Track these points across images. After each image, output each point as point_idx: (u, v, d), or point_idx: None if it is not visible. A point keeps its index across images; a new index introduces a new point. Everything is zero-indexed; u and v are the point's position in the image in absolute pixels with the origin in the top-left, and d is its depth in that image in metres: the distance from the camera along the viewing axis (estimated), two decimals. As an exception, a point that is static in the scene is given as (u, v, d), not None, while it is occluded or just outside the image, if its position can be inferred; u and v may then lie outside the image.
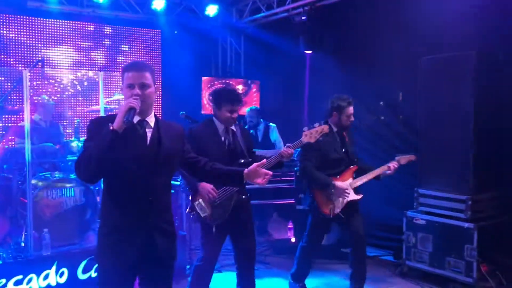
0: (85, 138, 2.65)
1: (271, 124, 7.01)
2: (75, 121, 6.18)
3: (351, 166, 4.46)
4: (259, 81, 8.45)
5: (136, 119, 2.53)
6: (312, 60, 7.27)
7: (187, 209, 4.09)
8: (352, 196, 4.38)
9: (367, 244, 6.01)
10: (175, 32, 7.88)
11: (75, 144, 5.61)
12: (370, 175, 4.42)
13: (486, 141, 4.75)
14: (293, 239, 6.12)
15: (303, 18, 6.83)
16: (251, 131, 6.83)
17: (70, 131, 6.91)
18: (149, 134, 2.60)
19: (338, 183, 4.31)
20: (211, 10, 7.80)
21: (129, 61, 7.53)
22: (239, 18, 8.36)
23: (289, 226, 6.40)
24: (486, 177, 4.79)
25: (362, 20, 6.46)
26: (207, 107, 8.10)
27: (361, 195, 4.42)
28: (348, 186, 4.36)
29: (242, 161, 3.89)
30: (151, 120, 2.63)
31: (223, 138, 3.93)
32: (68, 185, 5.02)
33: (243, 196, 3.91)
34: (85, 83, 7.40)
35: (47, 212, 4.89)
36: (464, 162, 4.73)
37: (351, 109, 4.39)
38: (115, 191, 2.60)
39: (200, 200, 3.81)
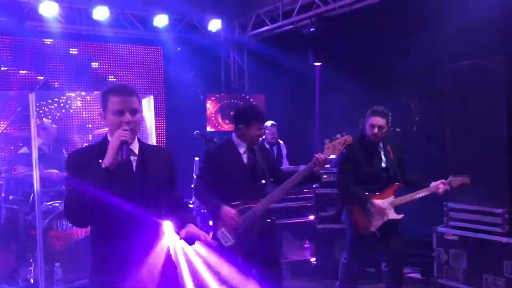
0: (66, 175, 2.33)
1: (279, 141, 6.79)
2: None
3: (394, 183, 4.21)
4: (264, 96, 8.22)
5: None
6: (321, 72, 7.06)
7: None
8: (392, 215, 4.14)
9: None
10: (178, 49, 7.65)
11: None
12: (415, 194, 4.18)
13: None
14: (312, 260, 5.85)
15: (311, 29, 6.63)
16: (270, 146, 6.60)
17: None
18: (134, 163, 2.34)
19: (377, 201, 4.08)
20: (214, 25, 7.60)
21: (124, 81, 7.46)
22: (242, 33, 8.17)
23: (305, 245, 6.14)
24: (521, 188, 4.58)
25: (374, 29, 6.30)
26: (214, 123, 7.86)
27: (402, 215, 4.18)
28: (387, 204, 4.13)
29: (264, 181, 3.70)
30: (135, 146, 2.37)
31: (245, 159, 3.70)
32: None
33: (268, 220, 3.67)
34: (77, 104, 7.12)
35: (57, 244, 4.61)
36: (497, 173, 4.51)
37: (374, 119, 4.14)
38: (103, 230, 2.31)
39: (223, 228, 3.52)
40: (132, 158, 2.31)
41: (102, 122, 2.39)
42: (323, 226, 5.53)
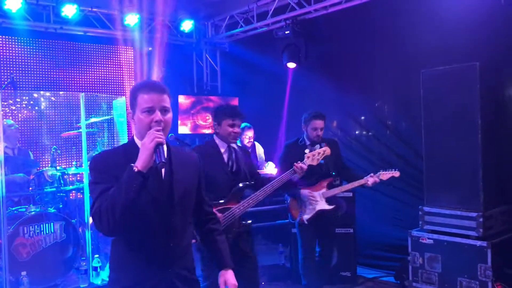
0: (91, 180, 2.19)
1: (256, 142, 6.71)
2: (52, 148, 5.62)
3: (327, 178, 4.63)
4: (238, 98, 8.12)
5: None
6: (295, 75, 7.02)
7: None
8: (322, 206, 4.55)
9: (365, 265, 5.92)
10: (149, 49, 7.46)
11: (51, 173, 5.08)
12: (344, 187, 4.61)
13: (493, 155, 4.61)
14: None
15: (286, 32, 6.57)
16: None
17: (46, 158, 6.34)
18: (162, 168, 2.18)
19: (304, 191, 4.51)
20: (186, 25, 7.46)
21: (93, 82, 7.23)
22: (215, 34, 8.05)
23: (280, 249, 6.08)
24: (495, 192, 4.64)
25: (349, 33, 6.31)
26: (186, 125, 7.72)
27: (333, 206, 4.58)
28: (319, 196, 4.56)
29: (241, 185, 3.70)
30: (163, 148, 2.21)
31: (226, 159, 3.72)
32: (46, 220, 4.52)
33: (245, 224, 3.68)
34: (44, 105, 6.86)
35: (24, 252, 4.38)
36: (472, 177, 4.54)
37: (316, 123, 4.60)
38: (131, 240, 2.19)
39: None
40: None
41: (131, 122, 2.22)
42: (296, 231, 5.46)
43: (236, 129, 3.73)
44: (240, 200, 3.66)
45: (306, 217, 4.57)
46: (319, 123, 4.62)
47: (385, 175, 4.46)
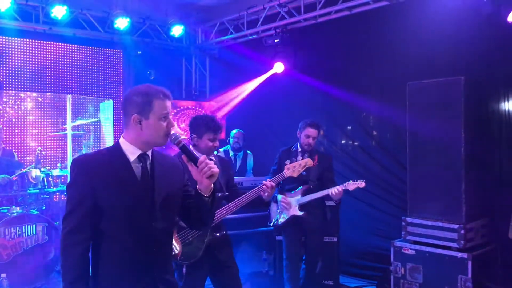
0: (69, 182, 2.22)
1: (248, 151, 6.73)
2: (37, 149, 5.57)
3: (304, 185, 4.77)
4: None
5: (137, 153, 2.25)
6: (283, 83, 7.06)
7: None
8: (294, 212, 4.73)
9: (348, 274, 5.95)
10: (139, 52, 7.45)
11: (35, 175, 5.04)
12: (314, 195, 4.68)
13: (475, 168, 4.68)
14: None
15: (275, 40, 6.62)
16: (231, 155, 6.55)
17: (30, 159, 6.26)
18: (139, 170, 2.21)
19: (279, 195, 4.75)
20: (177, 30, 7.45)
21: (81, 84, 7.18)
22: (205, 39, 8.07)
23: (263, 257, 6.09)
24: (476, 204, 4.70)
25: (338, 43, 6.37)
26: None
27: (303, 213, 4.72)
28: (293, 202, 4.74)
29: (219, 194, 3.59)
30: (150, 152, 2.29)
31: None
32: (28, 222, 4.48)
33: (217, 234, 3.60)
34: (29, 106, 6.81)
35: (4, 254, 4.33)
36: (454, 190, 4.61)
37: (309, 131, 4.71)
38: (112, 247, 2.18)
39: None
40: (137, 165, 2.21)
41: (134, 125, 2.19)
42: (282, 237, 5.48)
43: (216, 143, 3.65)
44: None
45: (281, 221, 4.77)
46: (312, 132, 4.71)
47: (352, 185, 4.49)
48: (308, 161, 4.08)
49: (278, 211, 4.84)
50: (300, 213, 4.73)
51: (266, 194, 3.66)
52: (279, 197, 4.77)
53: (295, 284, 4.83)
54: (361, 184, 4.49)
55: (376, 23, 5.85)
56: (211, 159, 3.62)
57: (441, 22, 5.08)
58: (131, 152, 2.21)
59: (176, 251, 3.42)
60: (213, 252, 3.55)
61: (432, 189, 4.80)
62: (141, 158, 2.22)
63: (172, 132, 2.21)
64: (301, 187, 4.78)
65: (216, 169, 2.17)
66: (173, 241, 3.38)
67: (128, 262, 2.17)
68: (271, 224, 4.92)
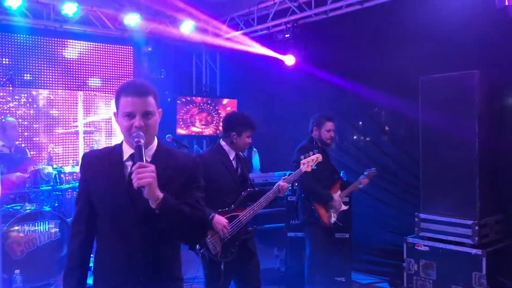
0: (80, 177, 2.24)
1: (254, 148, 6.70)
2: (49, 146, 5.60)
3: (337, 180, 4.87)
4: (237, 100, 8.11)
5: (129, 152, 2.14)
6: (294, 78, 7.02)
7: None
8: (342, 207, 4.79)
9: (360, 271, 5.91)
10: (149, 49, 7.45)
11: (47, 172, 5.06)
12: (351, 188, 4.83)
13: (490, 163, 4.61)
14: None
15: (286, 35, 6.58)
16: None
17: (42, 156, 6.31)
18: (128, 168, 2.07)
19: (335, 196, 4.70)
20: (187, 27, 7.43)
21: (100, 80, 7.24)
22: (215, 35, 8.04)
23: (275, 253, 6.06)
24: (491, 200, 4.64)
25: (349, 37, 6.31)
26: (184, 126, 7.70)
27: (347, 207, 4.89)
28: (339, 197, 4.76)
29: (245, 193, 3.72)
30: (149, 151, 2.13)
31: (235, 166, 3.72)
32: (41, 218, 4.50)
33: (250, 229, 3.74)
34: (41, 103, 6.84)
35: (18, 250, 4.36)
36: (469, 186, 4.55)
37: (330, 124, 4.74)
38: (107, 245, 2.14)
39: (211, 236, 3.47)
40: (129, 163, 2.08)
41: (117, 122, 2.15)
42: (294, 234, 5.46)
43: (250, 139, 3.76)
44: (246, 207, 3.67)
45: (333, 220, 4.73)
46: (332, 125, 4.77)
47: (371, 174, 4.88)
48: (319, 156, 4.12)
49: (330, 210, 4.73)
50: (346, 207, 4.85)
51: (281, 194, 3.84)
52: (333, 196, 4.73)
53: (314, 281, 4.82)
54: (374, 171, 4.90)
55: (388, 17, 5.78)
56: (240, 156, 3.78)
57: (454, 15, 5.01)
58: (126, 151, 2.13)
59: (217, 250, 3.49)
60: (246, 244, 3.68)
61: (446, 185, 4.75)
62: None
63: (137, 132, 2.01)
64: (334, 182, 4.84)
65: (143, 180, 1.88)
66: (214, 241, 3.46)
67: (116, 261, 2.10)
68: (332, 225, 4.74)
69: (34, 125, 6.65)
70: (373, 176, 4.96)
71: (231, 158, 3.69)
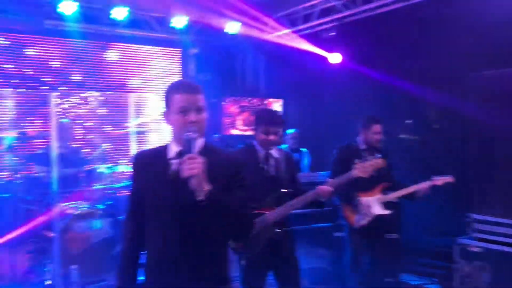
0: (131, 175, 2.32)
1: (302, 149, 6.69)
2: (102, 146, 5.82)
3: (382, 183, 4.54)
4: (282, 100, 8.10)
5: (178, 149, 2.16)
6: (341, 77, 6.96)
7: None
8: (378, 211, 4.47)
9: (409, 272, 5.79)
10: (195, 50, 7.59)
11: (100, 171, 5.25)
12: (401, 192, 4.54)
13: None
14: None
15: (332, 34, 6.54)
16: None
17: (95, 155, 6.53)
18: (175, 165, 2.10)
19: (363, 198, 4.46)
20: (232, 28, 7.51)
21: (141, 83, 7.44)
22: (260, 35, 8.07)
23: (322, 253, 6.04)
24: (549, 200, 4.46)
25: (397, 35, 6.20)
26: (231, 127, 7.80)
27: (389, 211, 4.50)
28: (374, 201, 4.48)
29: (285, 190, 3.59)
30: (196, 147, 2.07)
31: (264, 164, 3.60)
32: (95, 217, 4.68)
33: (278, 230, 3.54)
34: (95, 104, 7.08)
35: (75, 247, 4.54)
36: (525, 185, 4.39)
37: (377, 127, 4.58)
38: (148, 240, 2.21)
39: None
40: (175, 161, 2.11)
41: (167, 122, 2.21)
42: (340, 234, 5.42)
43: (271, 137, 3.53)
44: (276, 206, 3.53)
45: (363, 222, 4.51)
46: (379, 127, 4.62)
47: (439, 180, 4.47)
48: (379, 162, 3.68)
49: (363, 212, 4.53)
50: (386, 212, 4.51)
51: (322, 198, 3.58)
52: (360, 198, 4.51)
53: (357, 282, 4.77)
54: (449, 179, 4.48)
55: (436, 12, 5.65)
56: (273, 155, 3.65)
57: (502, 10, 4.84)
58: (172, 149, 2.18)
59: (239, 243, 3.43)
60: (276, 248, 3.53)
61: (500, 184, 4.59)
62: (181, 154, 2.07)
63: (191, 127, 2.05)
64: (377, 184, 4.54)
65: (192, 170, 1.91)
66: None
67: (164, 259, 2.15)
68: (357, 226, 4.57)
69: (87, 126, 6.90)
70: (444, 184, 4.52)
71: (260, 156, 3.60)
